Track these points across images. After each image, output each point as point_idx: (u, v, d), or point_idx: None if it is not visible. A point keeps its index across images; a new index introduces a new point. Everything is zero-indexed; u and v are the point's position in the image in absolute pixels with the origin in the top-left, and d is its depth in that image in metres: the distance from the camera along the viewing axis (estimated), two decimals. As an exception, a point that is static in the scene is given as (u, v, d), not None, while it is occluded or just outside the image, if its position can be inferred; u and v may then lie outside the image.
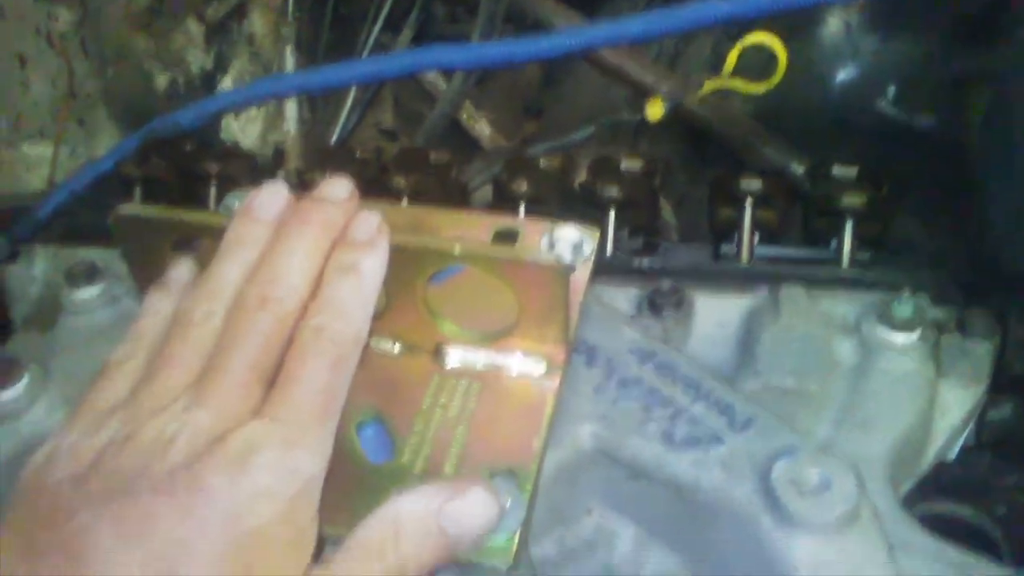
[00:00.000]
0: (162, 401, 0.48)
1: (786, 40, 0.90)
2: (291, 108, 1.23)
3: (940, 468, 0.67)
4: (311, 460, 0.47)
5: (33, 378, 0.64)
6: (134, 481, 0.44)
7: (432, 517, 0.48)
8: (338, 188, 0.55)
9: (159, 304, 0.54)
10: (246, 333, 0.49)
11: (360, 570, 0.46)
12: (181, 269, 0.56)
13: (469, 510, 0.49)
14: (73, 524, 0.43)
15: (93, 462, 0.46)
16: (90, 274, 0.71)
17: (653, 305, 0.69)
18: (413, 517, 0.48)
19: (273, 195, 0.54)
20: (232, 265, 0.52)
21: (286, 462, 0.46)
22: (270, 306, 0.50)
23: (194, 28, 1.12)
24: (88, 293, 0.71)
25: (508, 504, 0.51)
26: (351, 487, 0.51)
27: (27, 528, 0.45)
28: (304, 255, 0.51)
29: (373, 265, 0.52)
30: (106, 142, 1.02)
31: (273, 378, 0.49)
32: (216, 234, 0.57)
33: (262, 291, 0.50)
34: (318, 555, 0.47)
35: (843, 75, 1.14)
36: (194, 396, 0.48)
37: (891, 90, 1.12)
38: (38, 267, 0.80)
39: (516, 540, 0.50)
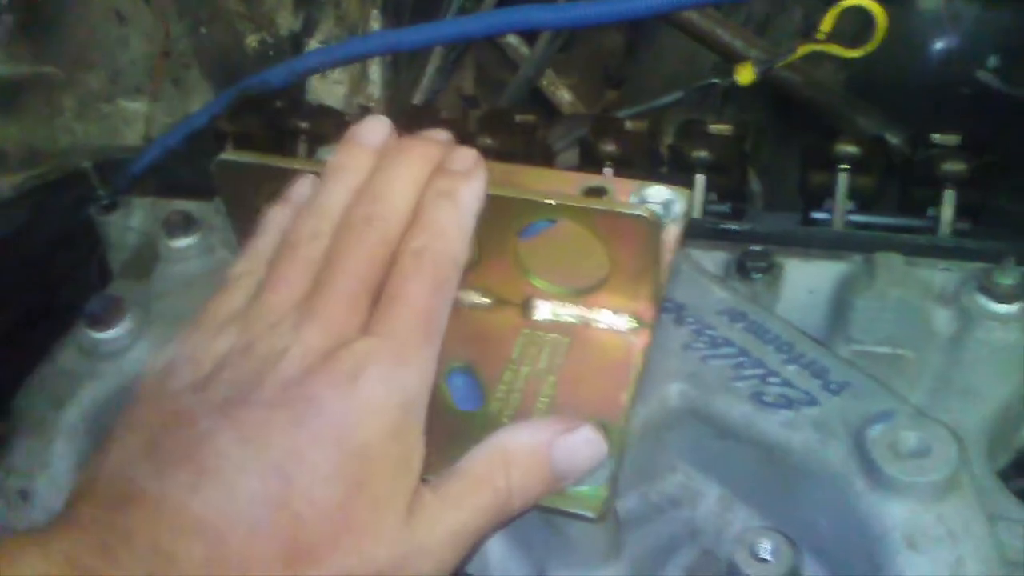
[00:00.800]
0: (274, 316, 0.49)
1: (884, 4, 0.87)
2: (375, 71, 1.24)
3: (1038, 445, 0.65)
4: (417, 377, 0.48)
5: (135, 319, 0.66)
6: (250, 392, 0.46)
7: (543, 449, 0.49)
8: (437, 133, 0.57)
9: (278, 220, 0.56)
10: (353, 250, 0.51)
11: (470, 496, 0.47)
12: (302, 186, 0.57)
13: (578, 446, 0.50)
14: (195, 431, 0.45)
15: (211, 372, 0.48)
16: (187, 224, 0.73)
17: (742, 268, 0.68)
18: (524, 449, 0.49)
19: (376, 124, 0.56)
20: (338, 187, 0.54)
21: (394, 378, 0.47)
22: (375, 223, 0.51)
23: (284, -10, 1.14)
24: (184, 242, 0.73)
25: (597, 455, 0.51)
26: (441, 433, 0.52)
27: (151, 431, 0.46)
28: (406, 180, 0.53)
29: (470, 192, 0.53)
30: (199, 100, 1.04)
31: (378, 296, 0.50)
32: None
33: (367, 210, 0.52)
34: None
35: (942, 43, 1.10)
36: (305, 311, 0.49)
37: (992, 60, 1.08)
38: (136, 217, 0.83)
39: (605, 491, 0.50)
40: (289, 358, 0.47)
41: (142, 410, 0.48)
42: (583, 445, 0.50)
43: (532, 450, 0.49)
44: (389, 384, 0.47)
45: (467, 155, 0.54)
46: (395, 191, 0.52)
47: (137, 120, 0.99)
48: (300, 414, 0.45)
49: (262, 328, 0.49)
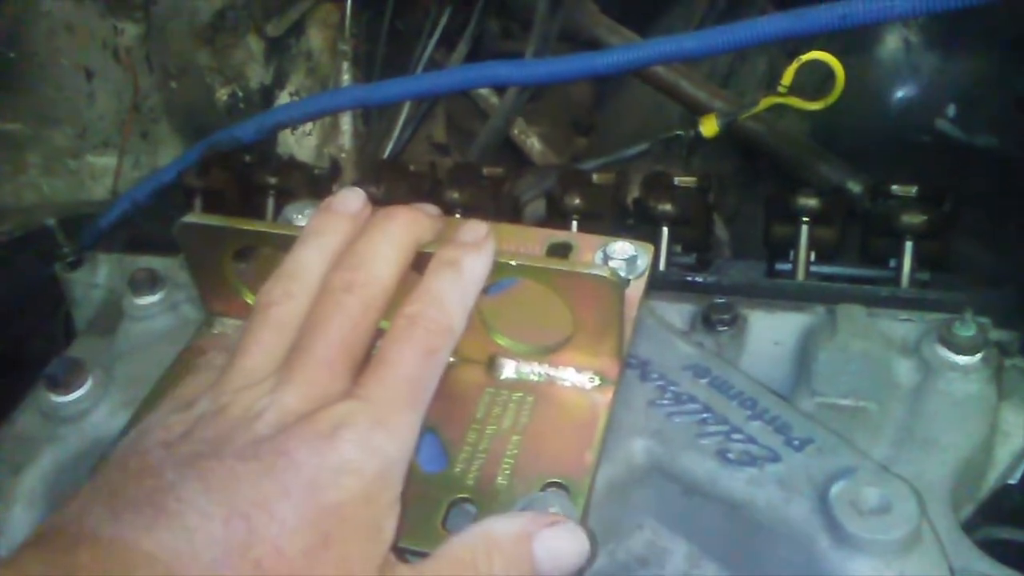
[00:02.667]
0: (249, 380, 0.49)
1: (844, 58, 0.89)
2: (346, 122, 1.25)
3: (1001, 493, 0.66)
4: (396, 444, 0.47)
5: (96, 381, 0.65)
6: (221, 447, 0.45)
7: (525, 542, 0.47)
8: (427, 207, 0.57)
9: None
10: (333, 316, 0.50)
11: None
12: None
13: (562, 543, 0.48)
14: (161, 481, 0.44)
15: (183, 433, 0.47)
16: (152, 281, 0.73)
17: (707, 321, 0.69)
18: (507, 538, 0.47)
19: (351, 193, 0.56)
20: (311, 251, 0.53)
21: (372, 441, 0.46)
22: (356, 290, 0.50)
23: (254, 44, 1.15)
24: (149, 300, 0.72)
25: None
26: (405, 495, 0.51)
27: (114, 484, 0.45)
28: (390, 246, 0.52)
29: (476, 264, 0.53)
30: (168, 154, 1.04)
31: (360, 365, 0.50)
32: (278, 243, 0.58)
33: (348, 276, 0.51)
34: None
35: (902, 93, 1.13)
36: (282, 376, 0.48)
37: (950, 109, 1.11)
38: (101, 273, 0.82)
39: (569, 553, 0.50)
40: (265, 419, 0.46)
41: (108, 469, 0.47)
42: (568, 541, 0.48)
43: (516, 540, 0.47)
44: (366, 446, 0.46)
45: (478, 228, 0.54)
46: (378, 256, 0.52)
47: (105, 175, 0.99)
48: (270, 467, 0.44)
49: (236, 392, 0.49)
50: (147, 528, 0.42)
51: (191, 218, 0.59)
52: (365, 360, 0.50)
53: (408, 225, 0.54)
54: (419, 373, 0.50)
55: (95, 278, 0.82)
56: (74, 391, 0.64)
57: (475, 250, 0.53)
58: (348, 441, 0.46)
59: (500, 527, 0.48)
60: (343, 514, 0.45)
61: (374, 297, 0.51)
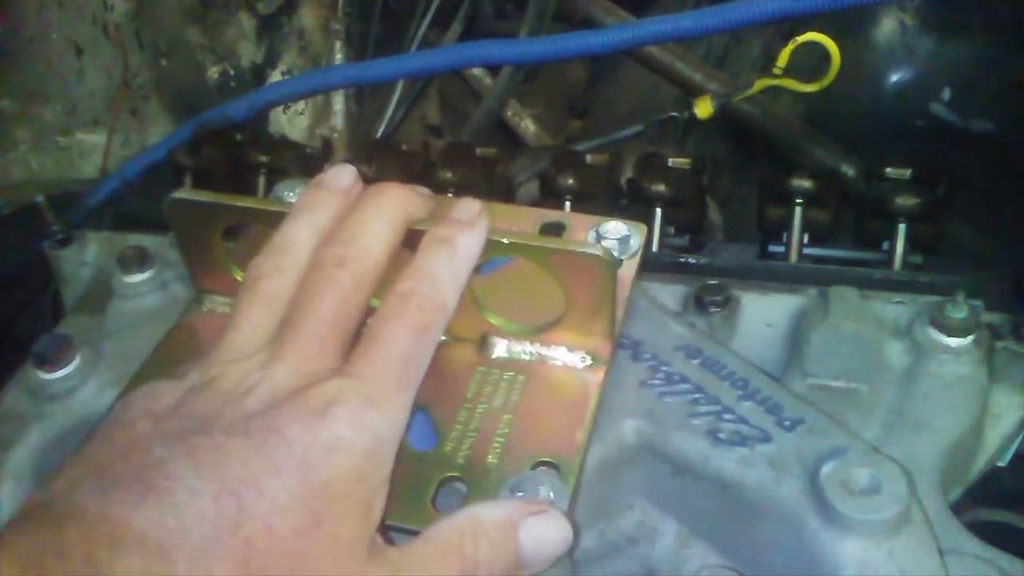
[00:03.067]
0: (239, 354, 0.49)
1: (839, 40, 0.88)
2: (338, 102, 1.24)
3: (991, 475, 0.66)
4: (388, 421, 0.47)
5: (85, 359, 0.65)
6: (210, 423, 0.45)
7: (511, 529, 0.47)
8: (419, 189, 0.57)
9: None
10: (324, 291, 0.49)
11: (436, 560, 0.46)
12: None
13: (547, 530, 0.48)
14: (149, 457, 0.44)
15: (171, 405, 0.47)
16: (141, 260, 0.72)
17: (699, 302, 0.69)
18: (494, 524, 0.47)
19: (342, 169, 0.55)
20: (302, 226, 0.53)
21: (363, 419, 0.46)
22: (348, 265, 0.50)
23: (246, 21, 1.14)
24: (139, 278, 0.72)
25: (551, 496, 0.50)
26: (395, 474, 0.51)
27: (101, 458, 0.45)
28: (381, 222, 0.52)
29: (469, 242, 0.53)
30: (158, 132, 1.04)
31: (351, 341, 0.49)
32: (268, 219, 0.58)
33: (340, 251, 0.51)
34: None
35: (897, 76, 1.13)
36: (273, 351, 0.48)
37: (946, 92, 1.11)
38: (90, 252, 0.82)
39: (559, 532, 0.50)
40: (255, 395, 0.46)
41: (94, 442, 0.47)
42: (553, 528, 0.48)
43: (503, 526, 0.47)
44: (357, 425, 0.46)
45: (471, 205, 0.54)
46: (369, 232, 0.52)
47: (94, 152, 0.99)
48: (261, 443, 0.44)
49: (226, 364, 0.48)
50: (136, 505, 0.41)
51: (181, 194, 0.58)
52: (356, 337, 0.50)
53: (399, 201, 0.53)
54: (411, 351, 0.49)
55: (84, 256, 0.82)
56: (62, 368, 0.64)
57: (468, 228, 0.53)
58: (340, 418, 0.45)
59: (488, 513, 0.48)
60: (334, 492, 0.44)
61: (366, 272, 0.50)
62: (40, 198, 0.83)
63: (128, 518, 0.41)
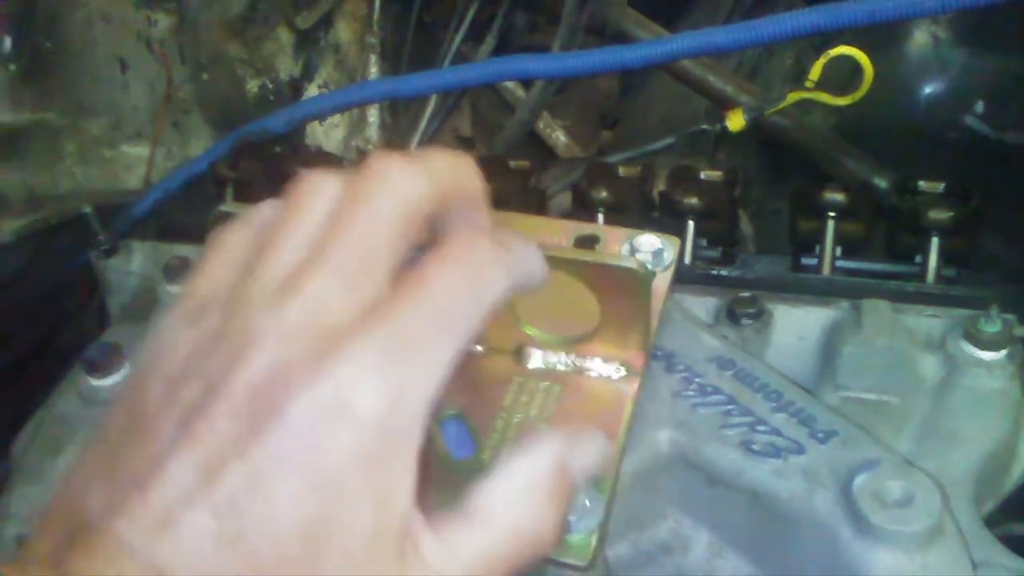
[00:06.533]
0: (257, 288, 0.41)
1: (872, 53, 0.89)
2: (373, 114, 1.26)
3: (1025, 489, 0.66)
4: (416, 381, 0.40)
5: (133, 366, 0.67)
6: (216, 390, 0.39)
7: (564, 480, 0.44)
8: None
9: (236, 242, 0.46)
10: (361, 216, 0.41)
11: (486, 531, 0.42)
12: (266, 208, 0.47)
13: (586, 446, 0.45)
14: (152, 450, 0.39)
15: (185, 363, 0.41)
16: (186, 269, 0.74)
17: (732, 314, 0.69)
18: (543, 486, 0.43)
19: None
20: (333, 179, 0.44)
21: (383, 373, 0.39)
22: (390, 187, 0.42)
23: (284, 36, 1.16)
24: (183, 287, 0.74)
25: (587, 504, 0.51)
26: (432, 481, 0.52)
27: (113, 444, 0.41)
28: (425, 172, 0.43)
29: (531, 263, 0.47)
30: (199, 145, 1.06)
31: (385, 281, 0.41)
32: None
33: (379, 169, 0.43)
34: None
35: (930, 89, 1.12)
36: (288, 285, 0.40)
37: (979, 105, 1.10)
38: (135, 262, 0.84)
39: (594, 539, 0.51)
40: (263, 346, 0.39)
41: (117, 410, 0.42)
42: (593, 450, 0.46)
43: (553, 479, 0.44)
44: (372, 383, 0.39)
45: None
46: (415, 170, 0.43)
47: (138, 165, 1.01)
48: (259, 430, 0.38)
49: (242, 303, 0.41)
50: (136, 520, 0.38)
51: (228, 207, 0.60)
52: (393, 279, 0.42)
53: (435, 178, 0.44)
54: (463, 301, 0.41)
55: (129, 265, 0.84)
56: (112, 375, 0.66)
57: (537, 263, 0.47)
58: (354, 376, 0.38)
59: (533, 472, 0.43)
60: (343, 484, 0.38)
61: (411, 205, 0.42)
62: (87, 209, 0.85)
63: (130, 538, 0.38)
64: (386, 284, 0.41)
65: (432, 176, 0.43)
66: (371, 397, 0.39)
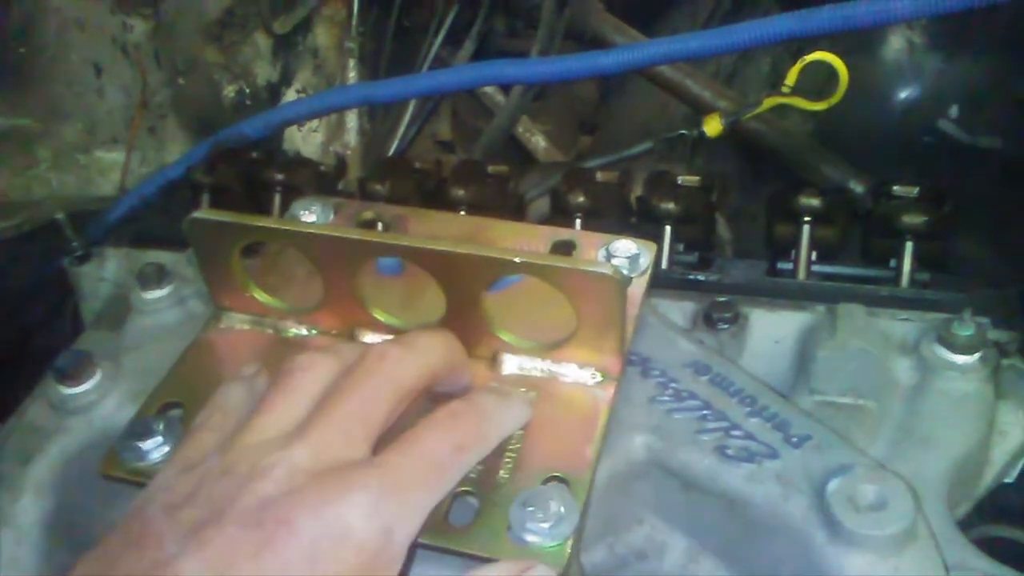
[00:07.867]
0: (261, 438, 0.48)
1: (847, 58, 0.89)
2: (352, 119, 1.26)
3: (998, 492, 0.66)
4: (405, 520, 0.46)
5: (105, 374, 0.66)
6: (223, 511, 0.44)
7: None
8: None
9: (232, 395, 0.55)
10: (359, 384, 0.50)
11: None
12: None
13: None
14: (160, 554, 0.43)
15: (187, 493, 0.46)
16: (160, 276, 0.74)
17: (708, 319, 0.70)
18: None
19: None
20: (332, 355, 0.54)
21: (380, 510, 0.45)
22: (388, 367, 0.51)
23: (262, 41, 1.15)
24: (157, 294, 0.73)
25: (562, 510, 0.51)
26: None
27: (116, 553, 0.44)
28: (428, 357, 0.55)
29: (522, 411, 0.56)
30: (175, 150, 1.05)
31: (377, 437, 0.49)
32: (285, 239, 0.59)
33: (380, 351, 0.52)
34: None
35: (905, 94, 1.13)
36: (296, 433, 0.48)
37: (954, 110, 1.11)
38: (109, 268, 0.83)
39: (568, 545, 0.51)
40: (272, 477, 0.45)
41: (114, 536, 0.46)
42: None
43: None
44: (372, 517, 0.45)
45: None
46: (420, 345, 0.54)
47: (113, 170, 1.00)
48: (270, 537, 0.43)
49: (245, 448, 0.48)
50: None
51: (201, 214, 0.60)
52: (384, 440, 0.50)
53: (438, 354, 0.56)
54: (445, 461, 0.49)
55: (103, 272, 0.83)
56: (83, 383, 0.65)
57: (527, 405, 0.57)
58: (355, 507, 0.45)
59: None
60: None
61: (405, 378, 0.52)
62: (60, 215, 0.85)
63: None
64: (377, 435, 0.50)
65: (425, 361, 0.54)
66: (369, 526, 0.45)
